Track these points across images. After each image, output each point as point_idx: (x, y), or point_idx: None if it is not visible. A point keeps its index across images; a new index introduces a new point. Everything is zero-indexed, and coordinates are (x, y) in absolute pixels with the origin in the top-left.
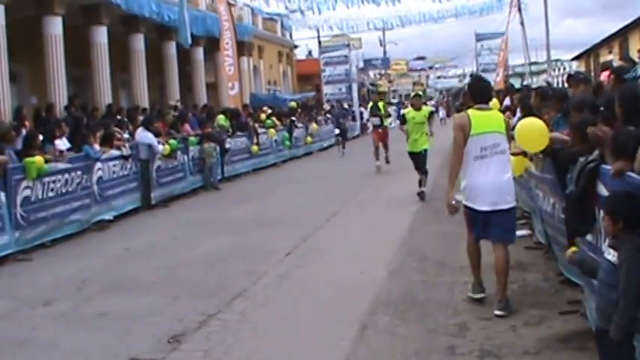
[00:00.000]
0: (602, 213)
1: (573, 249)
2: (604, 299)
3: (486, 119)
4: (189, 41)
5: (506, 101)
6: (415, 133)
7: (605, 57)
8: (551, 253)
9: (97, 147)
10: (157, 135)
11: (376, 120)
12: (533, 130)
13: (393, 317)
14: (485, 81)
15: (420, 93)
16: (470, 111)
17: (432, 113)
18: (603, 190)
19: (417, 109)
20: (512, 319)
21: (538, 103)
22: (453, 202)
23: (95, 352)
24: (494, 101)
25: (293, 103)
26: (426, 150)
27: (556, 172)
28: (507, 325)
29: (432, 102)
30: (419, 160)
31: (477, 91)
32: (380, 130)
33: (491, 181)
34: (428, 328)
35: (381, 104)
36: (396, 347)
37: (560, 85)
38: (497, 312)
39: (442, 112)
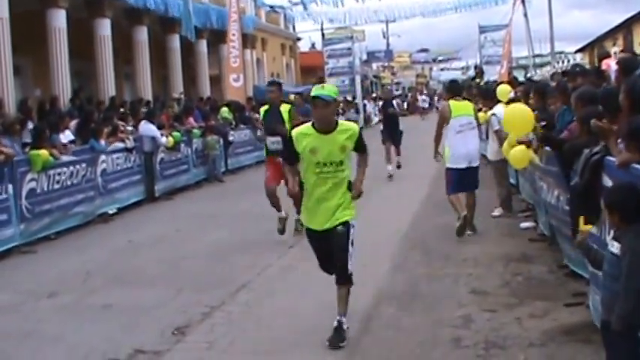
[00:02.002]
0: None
1: (588, 227)
2: (608, 291)
3: (462, 107)
4: (194, 34)
5: (510, 94)
6: None
7: (610, 49)
8: (555, 246)
9: (102, 142)
10: (160, 127)
11: (274, 142)
12: (519, 116)
13: (397, 309)
14: (457, 82)
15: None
16: (450, 101)
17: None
18: (608, 182)
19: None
20: (517, 311)
21: (537, 102)
22: (438, 157)
23: (100, 344)
24: (504, 87)
25: (292, 96)
26: None
27: (561, 164)
28: (512, 317)
29: (424, 97)
30: None
31: (454, 90)
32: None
33: (467, 148)
34: (432, 320)
35: (285, 109)
36: (401, 339)
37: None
38: (468, 232)
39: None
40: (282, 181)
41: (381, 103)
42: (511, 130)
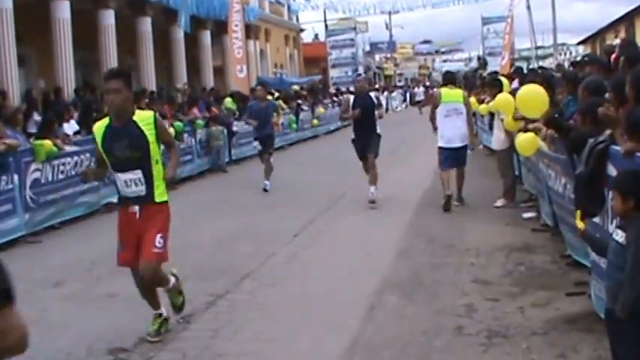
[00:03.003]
0: (611, 194)
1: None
2: (612, 280)
3: (452, 94)
4: (189, 25)
5: (515, 84)
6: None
7: (612, 41)
8: (558, 235)
9: None
10: (162, 118)
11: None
12: (534, 96)
13: (400, 298)
14: (451, 73)
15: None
16: (442, 89)
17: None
18: (613, 171)
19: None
20: (519, 300)
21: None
22: (435, 132)
23: (105, 332)
24: (505, 82)
25: (296, 87)
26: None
27: (568, 153)
28: (515, 306)
29: (421, 88)
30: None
31: (447, 79)
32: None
33: (454, 130)
34: (435, 308)
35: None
36: (404, 328)
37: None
38: (456, 203)
39: None
40: None
41: (352, 98)
42: (524, 109)
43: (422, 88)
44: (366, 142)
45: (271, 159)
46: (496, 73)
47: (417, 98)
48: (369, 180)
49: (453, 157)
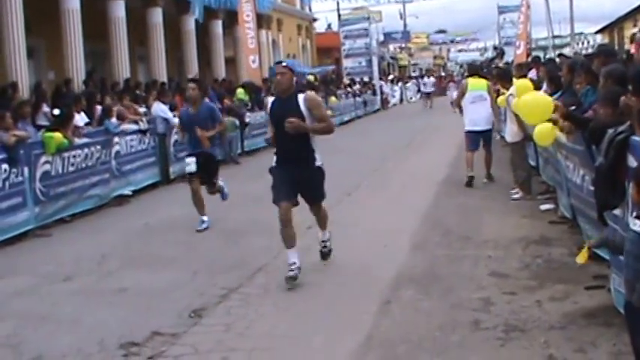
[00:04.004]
0: (631, 184)
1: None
2: (631, 270)
3: (476, 83)
4: (202, 14)
5: (532, 73)
6: None
7: (630, 30)
8: (575, 228)
9: (114, 120)
10: (172, 108)
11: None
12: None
13: (416, 292)
14: (475, 64)
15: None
16: (468, 79)
17: None
18: (633, 162)
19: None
20: (537, 293)
21: (566, 75)
22: (456, 110)
23: (116, 327)
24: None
25: (310, 77)
26: None
27: (587, 144)
28: (532, 300)
29: (431, 79)
30: None
31: (471, 70)
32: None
33: (478, 115)
34: (452, 302)
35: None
36: (420, 322)
37: None
38: (484, 180)
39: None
40: None
41: (269, 100)
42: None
43: (431, 79)
44: (295, 177)
45: (219, 181)
46: (508, 64)
47: (425, 89)
48: (317, 222)
49: (478, 140)
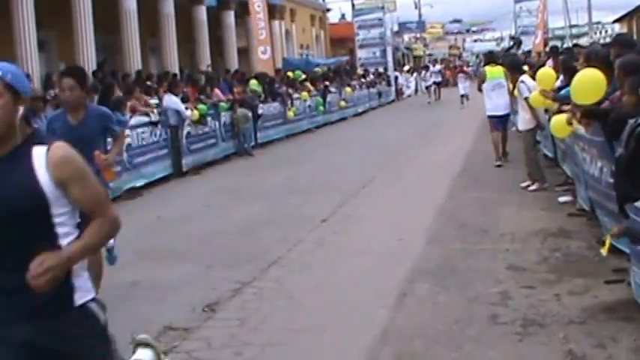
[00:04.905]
0: None
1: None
2: None
3: (495, 71)
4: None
5: (549, 63)
6: None
7: None
8: (595, 220)
9: (126, 115)
10: (184, 100)
11: None
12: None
13: (432, 285)
14: (493, 53)
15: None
16: (486, 67)
17: None
18: None
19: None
20: (556, 287)
21: (583, 65)
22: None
23: (129, 321)
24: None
25: (318, 69)
26: None
27: (605, 135)
28: (551, 294)
29: (437, 67)
30: None
31: (490, 59)
32: None
33: (498, 102)
34: (468, 296)
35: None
36: (436, 316)
37: None
38: (496, 163)
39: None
40: None
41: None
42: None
43: (437, 67)
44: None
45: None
46: (529, 52)
47: (429, 80)
48: None
49: (498, 122)
